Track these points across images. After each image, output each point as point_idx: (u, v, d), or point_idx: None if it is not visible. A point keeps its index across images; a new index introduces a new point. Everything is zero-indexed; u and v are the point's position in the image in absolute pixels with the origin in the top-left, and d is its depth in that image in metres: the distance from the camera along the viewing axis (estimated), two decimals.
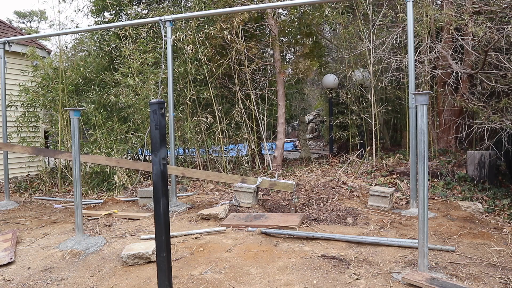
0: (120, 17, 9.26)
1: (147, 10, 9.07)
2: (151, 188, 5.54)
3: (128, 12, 8.68)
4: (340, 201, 5.18)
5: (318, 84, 13.25)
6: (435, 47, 6.99)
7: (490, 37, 6.09)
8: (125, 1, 8.32)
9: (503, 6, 6.47)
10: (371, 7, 7.57)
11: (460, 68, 6.95)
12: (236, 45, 7.61)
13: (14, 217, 5.06)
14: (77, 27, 9.48)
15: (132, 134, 7.41)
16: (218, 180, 5.27)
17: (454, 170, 6.40)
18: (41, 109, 8.43)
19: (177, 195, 5.73)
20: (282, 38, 8.93)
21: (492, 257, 3.14)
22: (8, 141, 6.45)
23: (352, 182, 6.09)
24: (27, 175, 8.75)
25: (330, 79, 9.98)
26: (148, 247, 3.21)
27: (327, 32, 10.71)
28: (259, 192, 5.37)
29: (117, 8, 8.78)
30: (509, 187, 6.39)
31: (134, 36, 7.62)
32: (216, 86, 8.16)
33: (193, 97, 7.59)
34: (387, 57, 7.43)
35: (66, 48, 9.53)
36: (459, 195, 5.72)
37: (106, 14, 9.51)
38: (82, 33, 9.97)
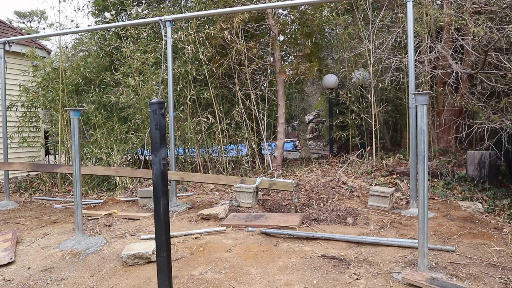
0: (121, 17, 9.26)
1: (147, 11, 9.07)
2: (151, 188, 5.54)
3: (129, 12, 8.69)
4: (340, 201, 5.18)
5: (318, 84, 13.25)
6: (435, 47, 6.99)
7: (490, 37, 6.09)
8: (126, 1, 8.33)
9: (503, 6, 6.47)
10: (371, 8, 7.57)
11: (460, 68, 6.95)
12: (236, 45, 7.61)
13: (14, 217, 5.06)
14: (77, 27, 9.46)
15: (132, 134, 7.41)
16: (217, 183, 5.28)
17: (454, 170, 6.40)
18: (41, 109, 8.43)
19: (177, 195, 5.73)
20: (282, 38, 8.93)
21: (492, 257, 3.14)
22: (8, 141, 6.46)
23: (352, 182, 6.09)
24: (27, 175, 8.75)
25: (330, 79, 9.98)
26: (148, 247, 3.21)
27: (327, 33, 10.71)
28: (259, 192, 5.37)
29: (118, 8, 8.78)
30: (509, 187, 6.39)
31: (135, 36, 7.62)
32: (216, 86, 8.16)
33: (193, 97, 7.59)
34: (387, 57, 7.43)
35: (66, 48, 9.53)
36: (459, 195, 5.72)
37: (107, 14, 9.51)
38: (83, 33, 9.97)
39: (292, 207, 4.77)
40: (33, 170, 5.76)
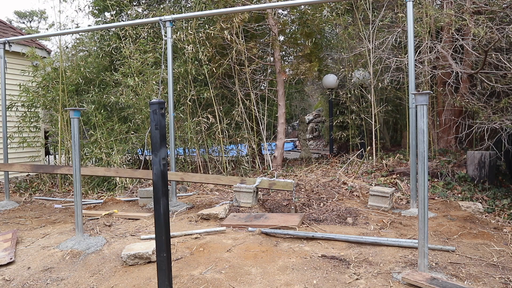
0: (121, 17, 9.26)
1: (147, 11, 9.08)
2: (151, 188, 5.54)
3: (129, 12, 8.69)
4: (340, 201, 5.19)
5: (318, 84, 13.25)
6: (435, 47, 6.99)
7: (490, 37, 6.09)
8: (126, 1, 8.32)
9: (503, 6, 6.47)
10: (371, 8, 7.57)
11: (460, 68, 6.95)
12: (236, 45, 7.61)
13: (14, 217, 5.07)
14: (77, 27, 9.46)
15: (132, 134, 7.41)
16: (217, 183, 5.28)
17: (454, 170, 6.40)
18: (41, 109, 8.43)
19: (177, 195, 5.73)
20: (282, 38, 8.94)
21: (492, 257, 3.14)
22: (8, 141, 6.46)
23: (352, 182, 6.09)
24: (27, 175, 8.75)
25: (330, 79, 9.98)
26: (148, 247, 3.21)
27: (327, 33, 10.71)
28: (259, 192, 5.37)
29: (118, 8, 8.79)
30: (509, 187, 6.39)
31: (134, 36, 7.62)
32: (216, 86, 8.16)
33: (193, 97, 7.59)
34: (387, 57, 7.42)
35: (67, 48, 9.54)
36: (459, 195, 5.72)
37: (107, 14, 9.52)
38: (83, 33, 9.97)
39: (292, 207, 4.77)
40: (34, 171, 5.76)
